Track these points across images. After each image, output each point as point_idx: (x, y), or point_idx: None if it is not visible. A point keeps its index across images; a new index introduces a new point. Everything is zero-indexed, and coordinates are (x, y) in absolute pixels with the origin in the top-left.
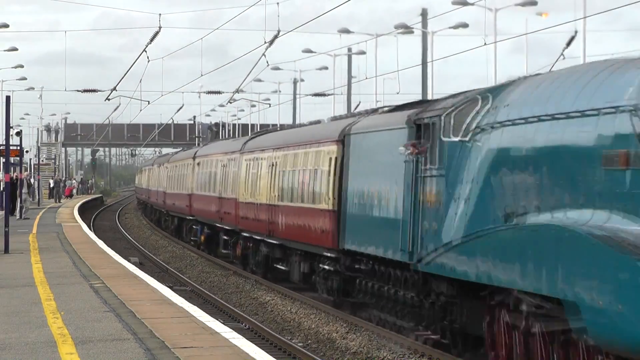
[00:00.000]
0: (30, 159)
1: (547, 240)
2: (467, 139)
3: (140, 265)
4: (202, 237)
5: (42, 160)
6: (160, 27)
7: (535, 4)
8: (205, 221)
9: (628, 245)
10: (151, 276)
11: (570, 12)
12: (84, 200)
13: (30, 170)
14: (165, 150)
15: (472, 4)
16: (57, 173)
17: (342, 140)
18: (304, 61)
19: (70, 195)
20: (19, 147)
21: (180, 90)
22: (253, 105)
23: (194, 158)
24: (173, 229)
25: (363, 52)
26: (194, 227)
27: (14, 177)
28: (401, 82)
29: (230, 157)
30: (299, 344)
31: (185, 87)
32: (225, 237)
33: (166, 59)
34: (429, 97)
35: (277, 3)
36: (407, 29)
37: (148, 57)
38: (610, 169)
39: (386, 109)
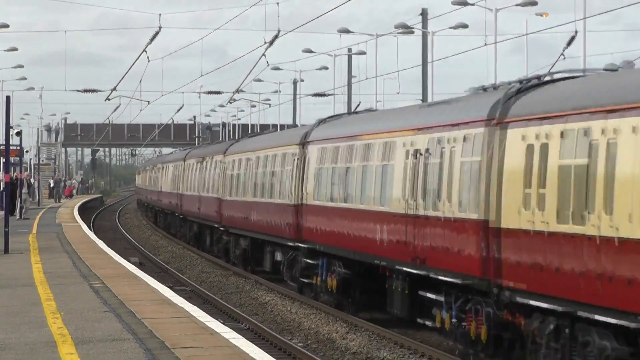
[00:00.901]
0: (30, 159)
1: None
2: None
3: (140, 265)
4: (332, 281)
5: (42, 160)
6: (160, 27)
7: (535, 4)
8: (337, 253)
9: None
10: (151, 276)
11: (570, 12)
12: (84, 200)
13: (30, 170)
14: (165, 150)
15: (472, 4)
16: (57, 173)
17: None
18: (304, 61)
19: (70, 195)
20: (19, 147)
21: (180, 90)
22: (253, 106)
23: (303, 145)
24: (239, 255)
25: (363, 52)
26: (304, 260)
27: (14, 177)
28: (401, 82)
29: (443, 136)
30: (299, 344)
31: (185, 87)
32: (431, 296)
33: (166, 59)
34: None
35: (277, 3)
36: (407, 29)
37: (148, 57)
38: None
39: None
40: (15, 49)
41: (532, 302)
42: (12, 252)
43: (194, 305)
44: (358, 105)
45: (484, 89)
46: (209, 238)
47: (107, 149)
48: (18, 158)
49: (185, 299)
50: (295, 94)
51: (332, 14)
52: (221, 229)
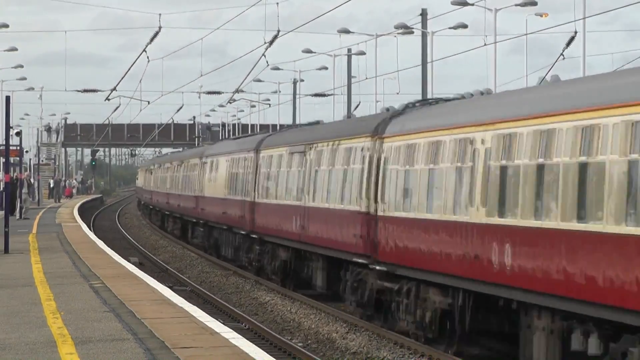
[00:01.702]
0: (30, 159)
1: None
2: None
3: (140, 265)
4: None
5: (42, 161)
6: (160, 27)
7: (535, 4)
8: None
9: None
10: (151, 276)
11: (570, 12)
12: (84, 200)
13: (30, 170)
14: (165, 150)
15: (472, 4)
16: (57, 173)
17: None
18: (303, 61)
19: (70, 196)
20: (18, 147)
21: (180, 90)
22: (253, 106)
23: None
24: (431, 319)
25: (363, 53)
26: None
27: (14, 177)
28: (401, 82)
29: None
30: (299, 344)
31: (185, 87)
32: None
33: (166, 59)
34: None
35: (277, 3)
36: (406, 29)
37: (148, 57)
38: None
39: None
40: (15, 49)
41: None
42: (12, 252)
43: (194, 305)
44: (358, 105)
45: None
46: (325, 274)
47: (107, 149)
48: (18, 158)
49: (185, 299)
50: (295, 94)
51: (332, 14)
52: (376, 267)
